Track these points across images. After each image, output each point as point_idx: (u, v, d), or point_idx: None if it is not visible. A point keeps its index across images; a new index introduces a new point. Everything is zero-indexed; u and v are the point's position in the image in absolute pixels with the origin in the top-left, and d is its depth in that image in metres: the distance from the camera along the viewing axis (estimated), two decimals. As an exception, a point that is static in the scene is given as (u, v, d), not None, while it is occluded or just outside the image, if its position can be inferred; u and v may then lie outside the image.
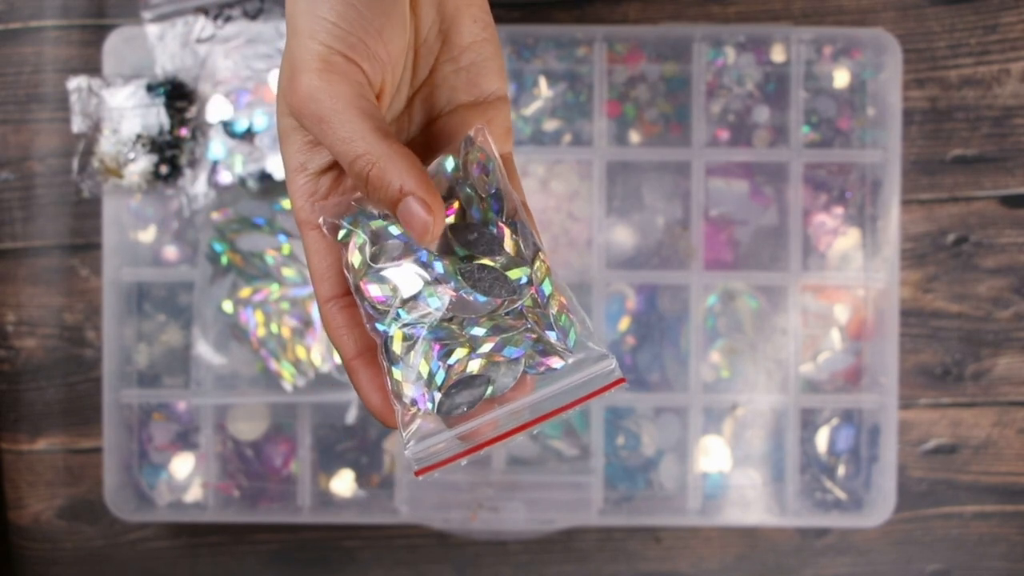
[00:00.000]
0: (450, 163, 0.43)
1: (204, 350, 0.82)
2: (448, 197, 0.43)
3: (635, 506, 0.83)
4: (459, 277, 0.41)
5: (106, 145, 0.81)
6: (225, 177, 0.82)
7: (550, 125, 0.83)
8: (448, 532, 0.83)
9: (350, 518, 0.82)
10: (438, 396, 0.42)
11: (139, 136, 0.80)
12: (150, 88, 0.80)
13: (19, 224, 0.84)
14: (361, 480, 0.83)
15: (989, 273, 0.83)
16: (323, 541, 0.85)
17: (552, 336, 0.42)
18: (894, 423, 0.81)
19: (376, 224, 0.42)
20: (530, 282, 0.42)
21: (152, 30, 0.81)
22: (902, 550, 0.85)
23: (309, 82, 0.40)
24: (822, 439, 0.83)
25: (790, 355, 0.82)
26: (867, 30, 0.82)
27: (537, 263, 0.42)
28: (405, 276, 0.41)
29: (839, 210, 0.83)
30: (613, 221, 0.83)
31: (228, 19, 0.81)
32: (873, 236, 0.82)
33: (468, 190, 0.43)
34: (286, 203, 0.82)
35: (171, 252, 0.83)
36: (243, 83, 0.81)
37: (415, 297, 0.41)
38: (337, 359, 0.82)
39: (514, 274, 0.41)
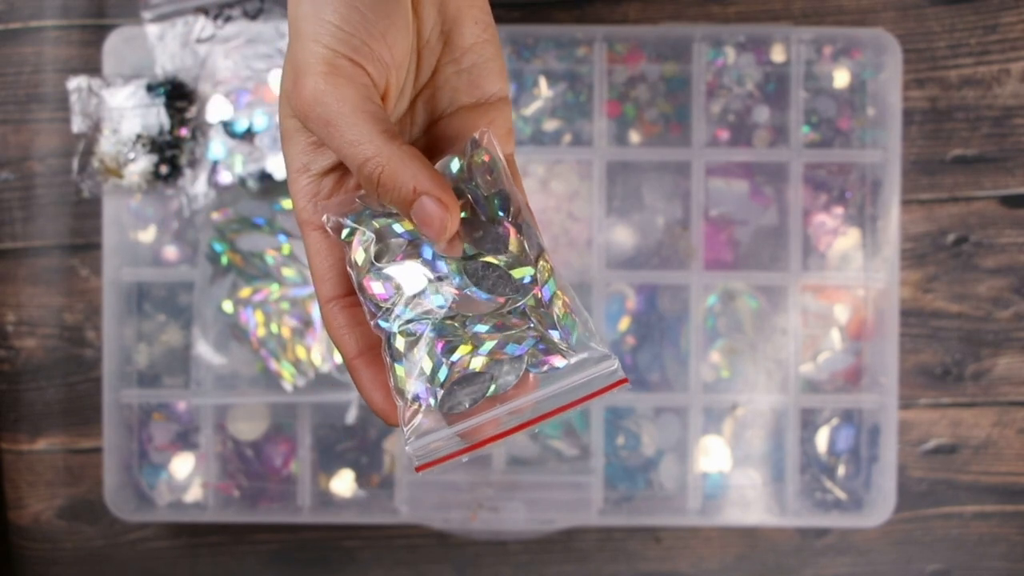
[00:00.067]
0: (455, 164, 0.43)
1: (204, 350, 0.82)
2: None
3: (635, 506, 0.83)
4: (463, 275, 0.41)
5: (106, 145, 0.81)
6: (225, 177, 0.81)
7: (550, 125, 0.83)
8: (448, 532, 0.83)
9: (350, 518, 0.82)
10: (440, 392, 0.42)
11: (139, 136, 0.80)
12: (150, 88, 0.80)
13: (19, 224, 0.84)
14: (361, 480, 0.83)
15: (989, 273, 0.83)
16: (323, 541, 0.85)
17: (555, 335, 0.42)
18: (894, 423, 0.81)
19: (380, 222, 0.42)
20: (534, 281, 0.42)
21: (152, 30, 0.81)
22: (902, 550, 0.85)
23: (315, 85, 0.40)
24: (822, 439, 0.83)
25: (790, 355, 0.82)
26: (867, 30, 0.82)
27: (541, 263, 0.42)
28: (409, 274, 0.42)
29: (839, 210, 0.83)
30: (613, 221, 0.83)
31: (228, 19, 0.81)
32: (873, 236, 0.82)
33: (474, 189, 0.43)
34: (286, 203, 0.82)
35: (171, 252, 0.83)
36: (243, 83, 0.81)
37: (418, 295, 0.41)
38: (338, 359, 0.82)
39: (518, 273, 0.41)
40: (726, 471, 0.83)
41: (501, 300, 0.42)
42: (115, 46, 0.81)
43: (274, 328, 0.82)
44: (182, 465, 0.83)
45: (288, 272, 0.82)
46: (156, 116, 0.80)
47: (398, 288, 0.42)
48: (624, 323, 0.83)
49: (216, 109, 0.81)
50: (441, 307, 0.41)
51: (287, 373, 0.82)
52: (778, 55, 0.83)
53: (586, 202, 0.82)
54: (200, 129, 0.81)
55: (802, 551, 0.85)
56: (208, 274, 0.82)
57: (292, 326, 0.82)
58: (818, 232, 0.83)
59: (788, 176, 0.82)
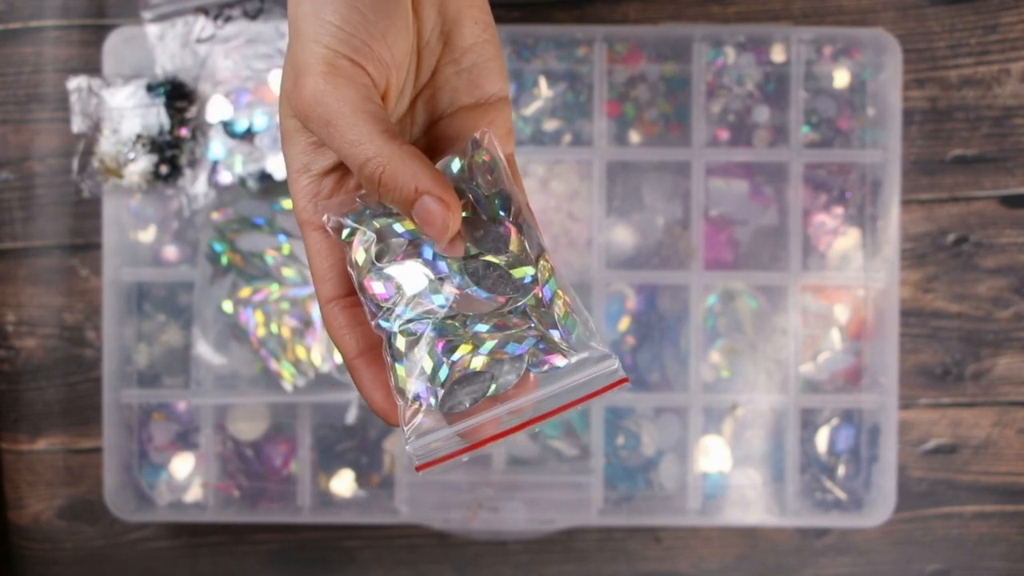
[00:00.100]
0: (456, 164, 0.43)
1: (204, 350, 0.82)
2: None
3: (635, 506, 0.83)
4: (464, 274, 0.41)
5: (106, 145, 0.81)
6: (225, 177, 0.81)
7: (550, 125, 0.83)
8: (448, 532, 0.83)
9: (350, 518, 0.82)
10: (441, 392, 0.42)
11: (139, 136, 0.80)
12: (150, 88, 0.80)
13: (19, 224, 0.84)
14: (361, 480, 0.83)
15: (989, 273, 0.83)
16: (323, 541, 0.85)
17: (555, 335, 0.42)
18: (894, 423, 0.81)
19: (381, 222, 0.42)
20: (535, 281, 0.42)
21: (152, 30, 0.81)
22: (902, 550, 0.85)
23: (315, 85, 0.40)
24: (822, 439, 0.83)
25: (790, 355, 0.82)
26: (867, 30, 0.82)
27: (542, 262, 0.42)
28: (409, 273, 0.42)
29: (839, 210, 0.83)
30: (613, 221, 0.83)
31: (228, 19, 0.81)
32: (873, 236, 0.82)
33: (475, 189, 0.43)
34: (286, 203, 0.82)
35: (171, 252, 0.83)
36: (243, 83, 0.81)
37: (419, 294, 0.41)
38: (338, 359, 0.82)
39: (519, 272, 0.42)
40: (726, 471, 0.83)
41: (502, 300, 0.42)
42: (115, 46, 0.81)
43: (274, 328, 0.82)
44: (182, 465, 0.83)
45: (288, 272, 0.82)
46: (156, 116, 0.80)
47: (399, 288, 0.42)
48: (624, 323, 0.83)
49: (216, 109, 0.81)
50: (442, 306, 0.41)
51: (287, 373, 0.82)
52: (778, 55, 0.83)
53: (586, 202, 0.82)
54: (200, 129, 0.81)
55: (802, 551, 0.85)
56: (208, 274, 0.82)
57: (292, 326, 0.82)
58: (818, 232, 0.83)
59: (788, 176, 0.82)
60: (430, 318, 0.42)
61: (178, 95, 0.81)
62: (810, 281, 0.82)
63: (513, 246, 0.42)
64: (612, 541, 0.85)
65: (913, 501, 0.84)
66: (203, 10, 0.81)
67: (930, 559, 0.85)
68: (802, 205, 0.82)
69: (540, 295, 0.42)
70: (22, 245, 0.84)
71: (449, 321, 0.42)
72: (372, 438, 0.83)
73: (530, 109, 0.83)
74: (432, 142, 0.46)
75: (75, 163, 0.81)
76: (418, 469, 0.41)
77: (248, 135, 0.81)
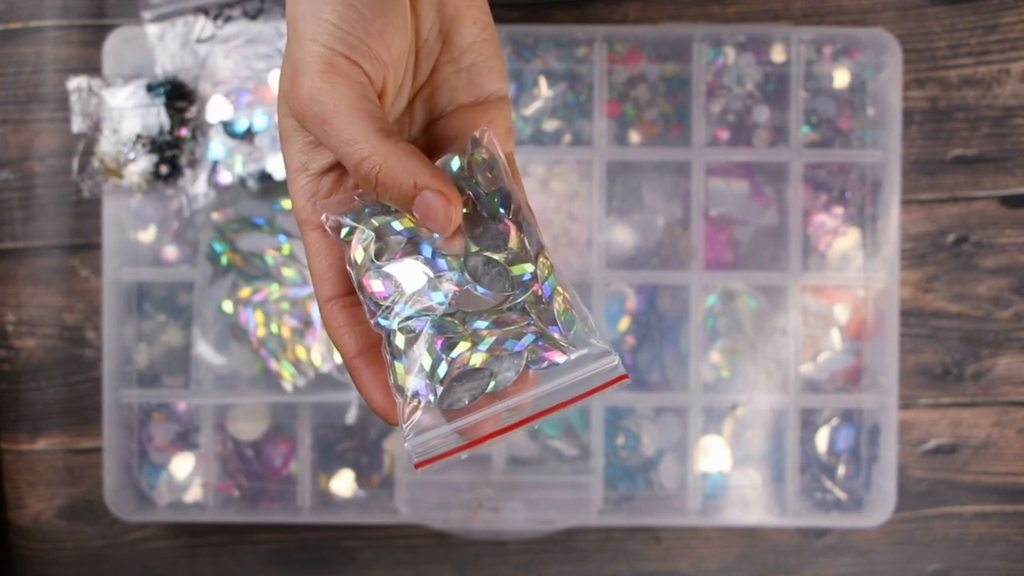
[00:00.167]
0: (455, 163, 0.43)
1: (204, 350, 0.82)
2: None
3: (635, 506, 0.83)
4: (464, 271, 0.41)
5: (106, 145, 0.81)
6: (225, 177, 0.82)
7: (550, 125, 0.83)
8: (448, 532, 0.83)
9: (350, 518, 0.82)
10: (440, 389, 0.42)
11: (139, 136, 0.80)
12: (150, 88, 0.80)
13: (19, 224, 0.84)
14: (361, 480, 0.83)
15: (989, 273, 0.83)
16: (323, 541, 0.85)
17: (555, 331, 0.42)
18: (894, 423, 0.81)
19: (379, 220, 0.42)
20: (534, 278, 0.42)
21: (152, 30, 0.81)
22: (902, 550, 0.85)
23: (311, 84, 0.40)
24: (822, 439, 0.83)
25: (790, 355, 0.82)
26: (867, 30, 0.82)
27: (541, 260, 0.42)
28: (408, 271, 0.42)
29: (839, 210, 0.83)
30: (613, 221, 0.83)
31: (228, 19, 0.81)
32: (873, 236, 0.82)
33: (475, 186, 0.43)
34: (286, 203, 0.82)
35: (171, 252, 0.83)
36: (243, 83, 0.81)
37: (418, 292, 0.41)
38: (337, 359, 0.82)
39: (518, 269, 0.42)
40: (726, 471, 0.83)
41: (501, 296, 0.42)
42: (115, 46, 0.81)
43: (274, 328, 0.82)
44: (182, 465, 0.83)
45: (288, 272, 0.82)
46: (156, 116, 0.80)
47: (398, 286, 0.42)
48: (624, 323, 0.83)
49: (216, 109, 0.81)
50: (441, 304, 0.41)
51: (287, 373, 0.82)
52: (778, 55, 0.83)
53: (586, 202, 0.82)
54: (200, 129, 0.81)
55: (802, 551, 0.85)
56: (208, 274, 0.82)
57: (292, 326, 0.82)
58: (818, 232, 0.83)
59: (788, 176, 0.82)
60: (429, 315, 0.42)
61: (178, 95, 0.81)
62: (810, 281, 0.82)
63: (512, 243, 0.42)
64: (612, 541, 0.85)
65: (913, 501, 0.84)
66: (203, 10, 0.81)
67: (930, 559, 0.85)
68: (802, 205, 0.82)
69: (539, 292, 0.42)
70: (22, 245, 0.84)
71: (448, 318, 0.42)
72: (372, 438, 0.83)
73: (530, 109, 0.83)
74: (431, 141, 0.46)
75: (75, 163, 0.81)
76: (417, 466, 0.41)
77: (248, 135, 0.81)
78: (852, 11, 0.83)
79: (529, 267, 0.42)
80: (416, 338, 0.42)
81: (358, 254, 0.42)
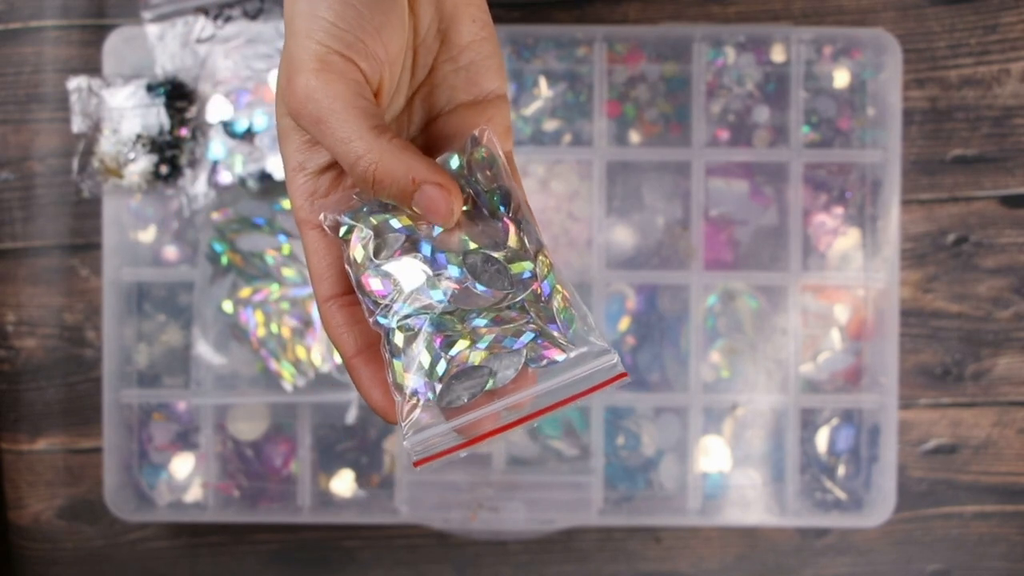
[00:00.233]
0: (455, 161, 0.43)
1: (204, 350, 0.82)
2: None
3: (635, 506, 0.83)
4: (463, 268, 0.41)
5: (106, 145, 0.81)
6: (225, 177, 0.82)
7: (550, 125, 0.83)
8: (448, 532, 0.83)
9: (350, 518, 0.82)
10: (439, 387, 0.42)
11: (139, 136, 0.80)
12: (150, 88, 0.80)
13: (19, 224, 0.84)
14: (361, 480, 0.83)
15: (989, 273, 0.83)
16: (323, 541, 0.85)
17: (554, 330, 0.42)
18: (894, 423, 0.81)
19: (378, 218, 0.42)
20: (533, 276, 0.42)
21: (152, 30, 0.81)
22: (902, 550, 0.85)
23: (306, 83, 0.40)
24: (822, 439, 0.83)
25: (790, 355, 0.82)
26: (867, 30, 0.82)
27: (540, 258, 0.42)
28: (407, 269, 0.42)
29: (839, 210, 0.83)
30: (613, 221, 0.83)
31: (228, 19, 0.81)
32: (873, 236, 0.82)
33: (475, 184, 0.43)
34: (286, 203, 0.82)
35: (171, 252, 0.83)
36: (243, 83, 0.81)
37: (417, 290, 0.41)
38: (337, 359, 0.82)
39: (517, 268, 0.42)
40: (726, 471, 0.83)
41: (500, 294, 0.42)
42: (115, 46, 0.81)
43: (274, 328, 0.82)
44: (182, 465, 0.83)
45: (288, 272, 0.82)
46: (156, 116, 0.80)
47: (396, 284, 0.42)
48: (624, 323, 0.83)
49: (216, 109, 0.81)
50: (440, 301, 0.41)
51: (287, 373, 0.82)
52: (778, 55, 0.83)
53: (586, 202, 0.82)
54: (200, 129, 0.81)
55: (802, 551, 0.85)
56: (208, 274, 0.82)
57: (292, 326, 0.82)
58: (818, 232, 0.83)
59: (788, 176, 0.82)
60: (428, 313, 0.42)
61: (178, 95, 0.81)
62: (810, 281, 0.82)
63: (512, 241, 0.42)
64: (612, 541, 0.85)
65: (913, 501, 0.84)
66: (203, 10, 0.81)
67: (930, 559, 0.85)
68: (802, 205, 0.82)
69: (539, 290, 0.42)
70: (22, 245, 0.84)
71: (447, 316, 0.42)
72: (372, 438, 0.83)
73: (530, 109, 0.83)
74: (430, 140, 0.46)
75: (75, 163, 0.81)
76: (416, 464, 0.41)
77: (248, 135, 0.81)
78: (852, 11, 0.83)
79: (528, 265, 0.42)
80: (415, 336, 0.42)
81: (357, 253, 0.42)
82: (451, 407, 0.42)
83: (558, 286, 0.43)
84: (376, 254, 0.42)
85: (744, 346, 0.83)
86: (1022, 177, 0.83)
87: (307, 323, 0.82)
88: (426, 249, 0.42)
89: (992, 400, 0.84)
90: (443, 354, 0.41)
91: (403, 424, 0.42)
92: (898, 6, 0.83)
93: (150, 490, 0.83)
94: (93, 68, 0.83)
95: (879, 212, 0.82)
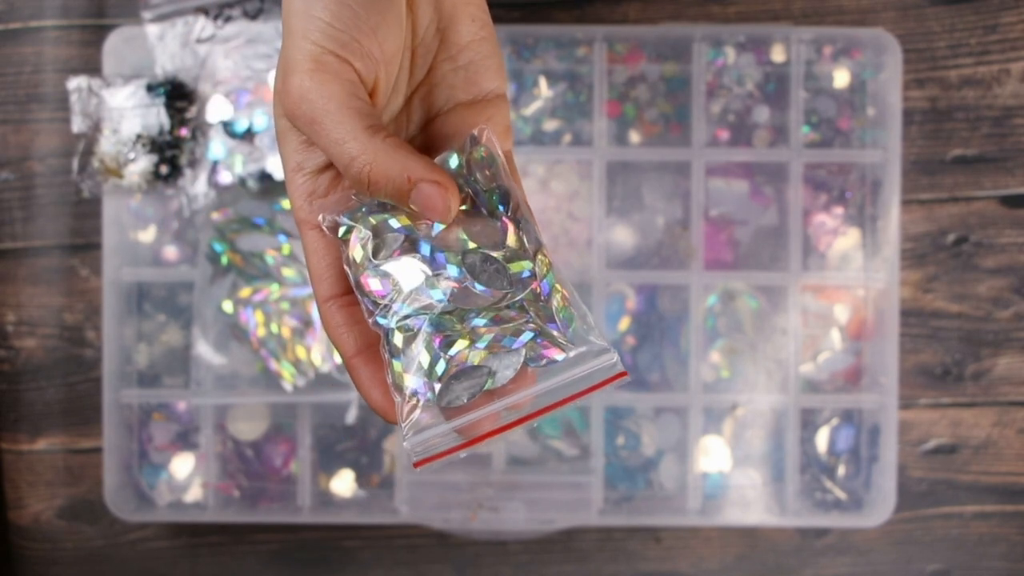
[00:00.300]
0: (454, 160, 0.43)
1: (204, 350, 0.82)
2: None
3: (635, 506, 0.83)
4: (462, 267, 0.41)
5: (106, 145, 0.81)
6: (225, 177, 0.82)
7: (550, 125, 0.83)
8: (448, 532, 0.83)
9: (350, 518, 0.82)
10: (438, 387, 0.42)
11: (139, 136, 0.81)
12: (150, 88, 0.80)
13: (19, 224, 0.84)
14: (361, 480, 0.83)
15: (989, 273, 0.83)
16: (323, 541, 0.85)
17: (553, 329, 0.42)
18: (894, 423, 0.81)
19: (377, 218, 0.42)
20: (532, 276, 0.42)
21: (152, 30, 0.81)
22: (902, 550, 0.85)
23: (300, 83, 0.40)
24: (822, 439, 0.83)
25: (790, 355, 0.82)
26: (867, 30, 0.82)
27: (539, 257, 0.42)
28: (406, 269, 0.41)
29: (839, 210, 0.83)
30: (613, 221, 0.83)
31: (228, 19, 0.81)
32: (873, 236, 0.82)
33: (474, 184, 0.43)
34: (286, 203, 0.82)
35: (171, 252, 0.83)
36: (243, 83, 0.81)
37: (416, 290, 0.41)
38: (337, 359, 0.82)
39: (517, 267, 0.41)
40: (726, 471, 0.83)
41: (499, 294, 0.41)
42: (115, 46, 0.81)
43: (274, 328, 0.82)
44: (182, 465, 0.83)
45: (288, 272, 0.82)
46: (156, 116, 0.80)
47: (395, 284, 0.42)
48: (624, 323, 0.83)
49: (216, 109, 0.81)
50: (440, 301, 0.41)
51: (287, 373, 0.82)
52: (778, 55, 0.83)
53: (586, 202, 0.82)
54: (200, 129, 0.81)
55: (802, 551, 0.85)
56: (208, 274, 0.82)
57: (292, 326, 0.82)
58: (818, 232, 0.83)
59: (788, 176, 0.82)
60: (427, 314, 0.42)
61: (178, 95, 0.81)
62: (810, 281, 0.82)
63: (511, 241, 0.42)
64: (612, 541, 0.85)
65: (913, 501, 0.84)
66: (203, 10, 0.81)
67: (930, 559, 0.85)
68: (802, 205, 0.82)
69: (538, 289, 0.42)
70: (22, 245, 0.84)
71: (446, 316, 0.42)
72: (372, 438, 0.83)
73: (530, 109, 0.83)
74: (429, 139, 0.46)
75: (75, 163, 0.81)
76: (416, 465, 0.41)
77: (248, 135, 0.81)
78: (852, 11, 0.83)
79: (527, 264, 0.42)
80: (414, 337, 0.42)
81: (355, 253, 0.42)
82: (451, 407, 0.42)
83: (557, 285, 0.43)
84: (375, 254, 0.42)
85: (744, 346, 0.83)
86: (1022, 177, 0.83)
87: (307, 323, 0.82)
88: (425, 249, 0.42)
89: (992, 400, 0.84)
90: (442, 354, 0.41)
91: (403, 425, 0.42)
92: (898, 6, 0.83)
93: (150, 490, 0.83)
94: (93, 68, 0.83)
95: (879, 212, 0.82)
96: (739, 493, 0.83)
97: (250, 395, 0.82)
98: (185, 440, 0.84)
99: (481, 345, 0.41)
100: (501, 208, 0.43)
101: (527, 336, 0.42)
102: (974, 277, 0.83)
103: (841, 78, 0.83)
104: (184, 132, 0.81)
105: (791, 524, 0.83)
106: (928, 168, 0.83)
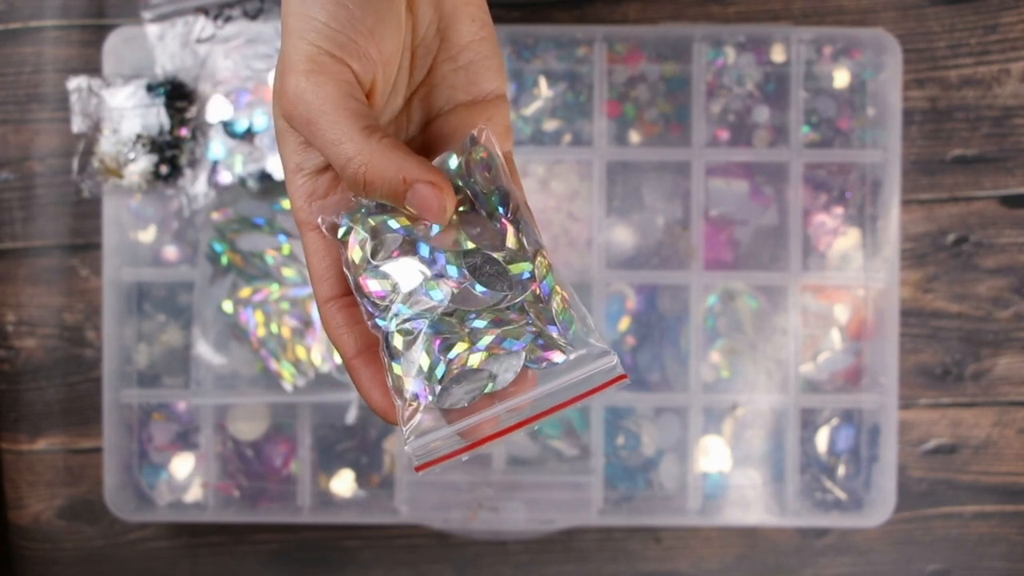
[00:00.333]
0: (453, 161, 0.43)
1: (204, 350, 0.82)
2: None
3: (635, 506, 0.83)
4: (462, 269, 0.41)
5: (106, 145, 0.81)
6: (225, 177, 0.82)
7: (550, 125, 0.83)
8: (448, 532, 0.83)
9: (350, 518, 0.82)
10: (438, 390, 0.41)
11: (139, 136, 0.80)
12: (150, 88, 0.80)
13: (19, 224, 0.84)
14: (361, 480, 0.83)
15: (989, 273, 0.83)
16: (323, 541, 0.85)
17: (553, 331, 0.42)
18: (894, 423, 0.81)
19: (376, 219, 0.42)
20: (532, 277, 0.42)
21: (152, 30, 0.81)
22: (902, 550, 0.85)
23: (296, 83, 0.40)
24: (822, 439, 0.83)
25: (790, 355, 0.82)
26: (867, 30, 0.82)
27: (539, 259, 0.42)
28: (405, 270, 0.41)
29: (839, 210, 0.83)
30: (613, 221, 0.83)
31: (228, 19, 0.81)
32: (873, 236, 0.82)
33: (473, 185, 0.43)
34: (286, 203, 0.82)
35: (171, 252, 0.83)
36: (243, 83, 0.81)
37: (415, 291, 0.41)
38: (337, 359, 0.82)
39: (516, 268, 0.41)
40: (726, 471, 0.83)
41: (499, 296, 0.41)
42: (115, 46, 0.81)
43: (274, 328, 0.82)
44: (182, 465, 0.83)
45: (288, 272, 0.82)
46: (156, 116, 0.80)
47: (395, 285, 0.41)
48: (624, 323, 0.83)
49: (216, 109, 0.81)
50: (440, 301, 0.41)
51: (287, 373, 0.82)
52: (778, 55, 0.83)
53: (586, 202, 0.82)
54: (200, 129, 0.81)
55: (802, 551, 0.85)
56: (208, 274, 0.82)
57: (292, 326, 0.82)
58: (818, 232, 0.83)
59: (788, 176, 0.82)
60: (427, 316, 0.41)
61: (178, 95, 0.81)
62: (810, 281, 0.82)
63: (510, 242, 0.42)
64: (612, 541, 0.85)
65: (913, 501, 0.84)
66: (203, 10, 0.81)
67: (930, 559, 0.85)
68: (802, 205, 0.82)
69: (538, 291, 0.42)
70: (22, 245, 0.84)
71: (446, 318, 0.42)
72: (372, 438, 0.83)
73: (530, 109, 0.83)
74: (429, 140, 0.46)
75: (75, 163, 0.81)
76: (417, 469, 0.41)
77: (248, 135, 0.81)
78: (852, 11, 0.83)
79: (527, 266, 0.42)
80: (414, 339, 0.41)
81: (355, 254, 0.42)
82: (451, 409, 0.42)
83: (557, 287, 0.42)
84: (374, 255, 0.42)
85: (744, 346, 0.83)
86: (1022, 177, 0.83)
87: (307, 323, 0.82)
88: (424, 250, 0.42)
89: (992, 400, 0.84)
90: (442, 357, 0.41)
91: (404, 429, 0.42)
92: (898, 6, 0.83)
93: (150, 490, 0.83)
94: (93, 68, 0.83)
95: (879, 212, 0.82)
96: (739, 493, 0.83)
97: (250, 395, 0.82)
98: (185, 440, 0.84)
99: (481, 347, 0.41)
100: (501, 209, 0.42)
101: (527, 338, 0.42)
102: (974, 277, 0.83)
103: (841, 78, 0.83)
104: (184, 132, 0.81)
105: (791, 524, 0.83)
106: (928, 168, 0.83)
